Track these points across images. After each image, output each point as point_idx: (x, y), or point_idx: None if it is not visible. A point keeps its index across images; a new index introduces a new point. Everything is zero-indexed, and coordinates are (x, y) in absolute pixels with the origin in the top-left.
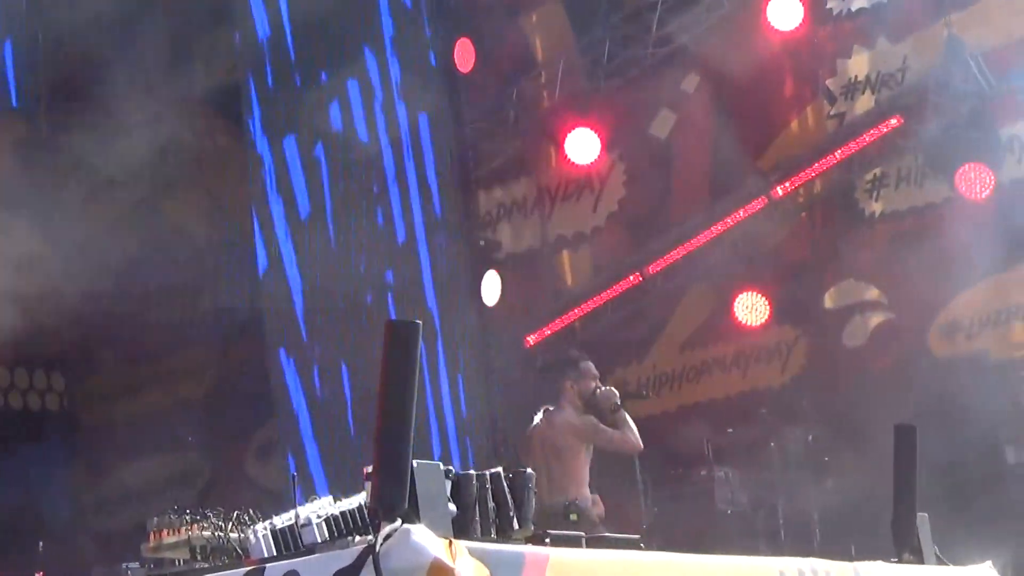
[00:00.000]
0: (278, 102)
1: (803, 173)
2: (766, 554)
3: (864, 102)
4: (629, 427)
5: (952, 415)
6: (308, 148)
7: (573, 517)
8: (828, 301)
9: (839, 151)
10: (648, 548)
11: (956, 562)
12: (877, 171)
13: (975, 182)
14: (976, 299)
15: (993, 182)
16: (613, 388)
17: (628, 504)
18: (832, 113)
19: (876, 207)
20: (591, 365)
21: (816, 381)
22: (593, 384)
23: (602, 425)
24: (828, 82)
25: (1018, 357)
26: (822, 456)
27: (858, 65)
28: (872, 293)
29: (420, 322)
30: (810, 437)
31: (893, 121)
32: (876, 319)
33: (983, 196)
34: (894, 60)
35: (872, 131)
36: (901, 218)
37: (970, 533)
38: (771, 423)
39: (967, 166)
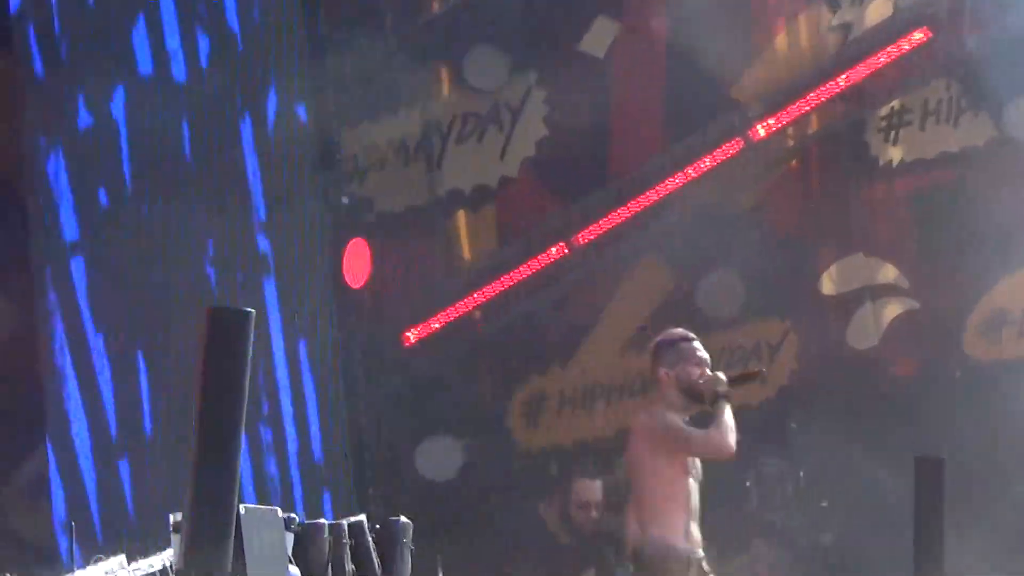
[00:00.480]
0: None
1: (793, 106)
2: None
3: (878, 8)
4: (722, 424)
5: (996, 440)
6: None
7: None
8: (827, 285)
9: (843, 76)
10: None
11: None
12: (895, 104)
13: None
14: None
15: None
16: (720, 374)
17: None
18: (834, 24)
19: (894, 154)
20: (697, 346)
21: (810, 394)
22: (698, 371)
23: (691, 430)
24: None
25: None
26: (817, 499)
27: None
28: (888, 274)
29: (252, 311)
30: (801, 473)
31: (918, 35)
32: (893, 310)
33: None
34: None
35: (889, 49)
36: (928, 169)
37: None
38: (747, 453)
39: (1018, 98)
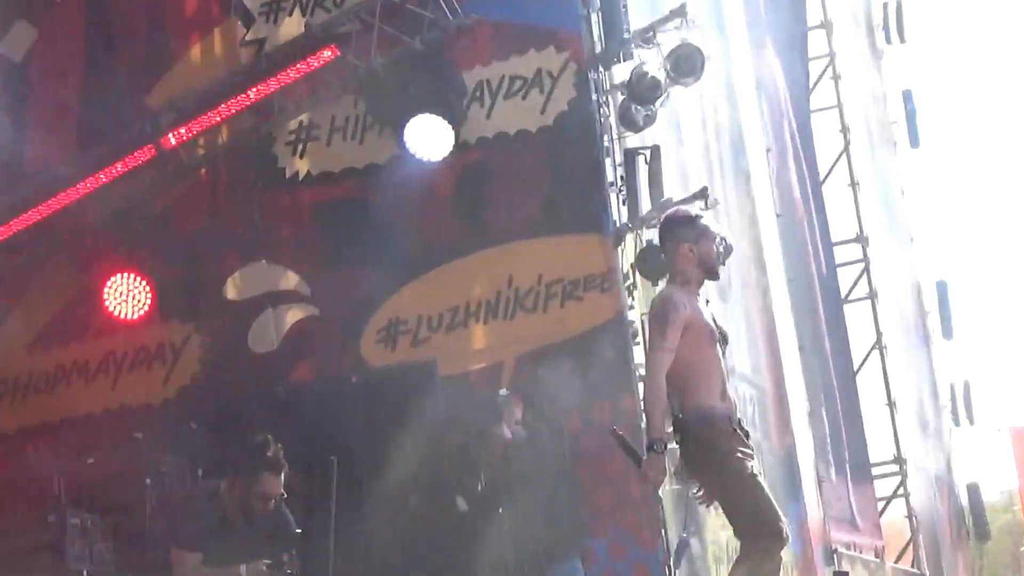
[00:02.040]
0: None
1: (205, 117)
2: None
3: (291, 26)
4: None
5: (390, 445)
6: None
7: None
8: (232, 289)
9: (254, 90)
10: None
11: None
12: (304, 119)
13: (431, 138)
14: (426, 292)
15: (453, 139)
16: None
17: None
18: (248, 39)
19: (301, 166)
20: (709, 224)
21: (210, 397)
22: (715, 248)
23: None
24: None
25: (476, 370)
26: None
27: None
28: (290, 281)
29: None
30: (200, 471)
31: (327, 53)
32: (294, 316)
33: (440, 156)
34: None
35: (299, 65)
36: (334, 182)
37: None
38: (149, 452)
39: (421, 117)
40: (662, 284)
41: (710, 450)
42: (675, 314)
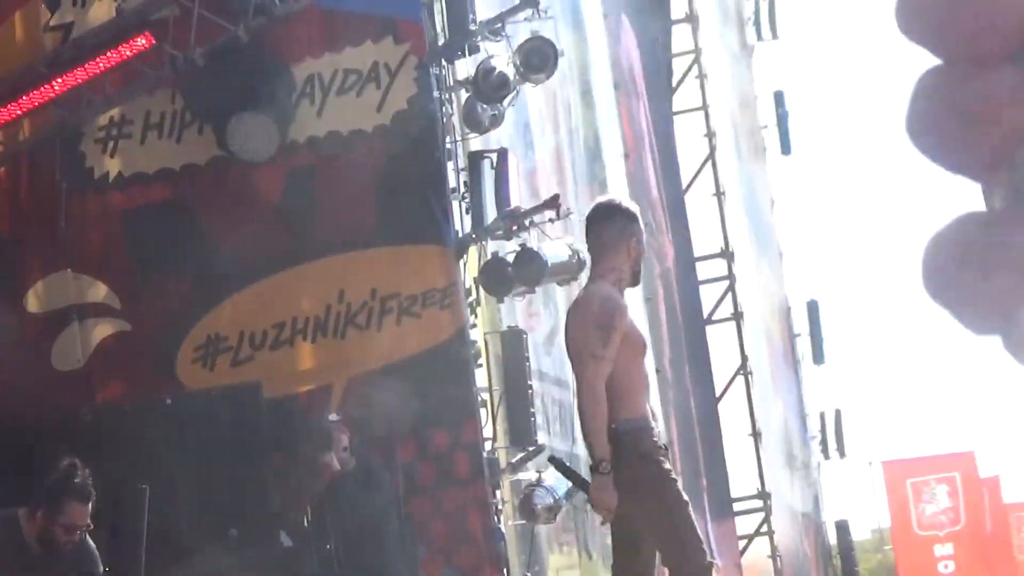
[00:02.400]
0: None
1: (4, 110)
2: None
3: (102, 10)
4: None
5: (208, 474)
6: None
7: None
8: (33, 302)
9: (59, 80)
10: None
11: None
12: (115, 114)
13: (255, 138)
14: (249, 307)
15: (280, 139)
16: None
17: None
18: (53, 23)
19: (112, 166)
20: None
21: (5, 418)
22: (643, 251)
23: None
24: None
25: (303, 392)
26: None
27: None
28: (98, 292)
29: None
30: None
31: (141, 41)
32: (102, 331)
33: (265, 157)
34: None
35: (110, 54)
36: (147, 184)
37: None
38: None
39: (245, 114)
40: (583, 281)
41: (648, 468)
42: (620, 319)
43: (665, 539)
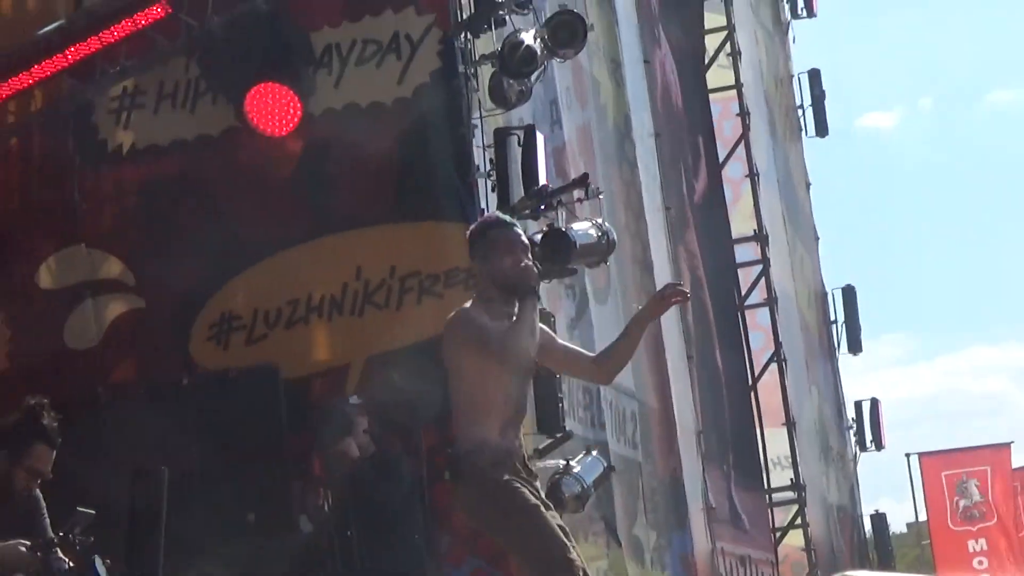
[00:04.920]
0: None
1: (16, 79)
2: None
3: None
4: (522, 321)
5: (225, 456)
6: None
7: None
8: (46, 277)
9: (73, 50)
10: None
11: None
12: (128, 84)
13: (274, 110)
14: (263, 284)
15: (300, 112)
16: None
17: None
18: None
19: (125, 138)
20: (512, 232)
21: (22, 394)
22: (510, 260)
23: (491, 327)
24: None
25: (319, 373)
26: None
27: None
28: (112, 268)
29: None
30: None
31: (156, 10)
32: (116, 308)
33: (286, 130)
34: None
35: (125, 23)
36: (161, 157)
37: None
38: None
39: (263, 86)
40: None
41: (484, 485)
42: (476, 317)
43: (519, 550)
